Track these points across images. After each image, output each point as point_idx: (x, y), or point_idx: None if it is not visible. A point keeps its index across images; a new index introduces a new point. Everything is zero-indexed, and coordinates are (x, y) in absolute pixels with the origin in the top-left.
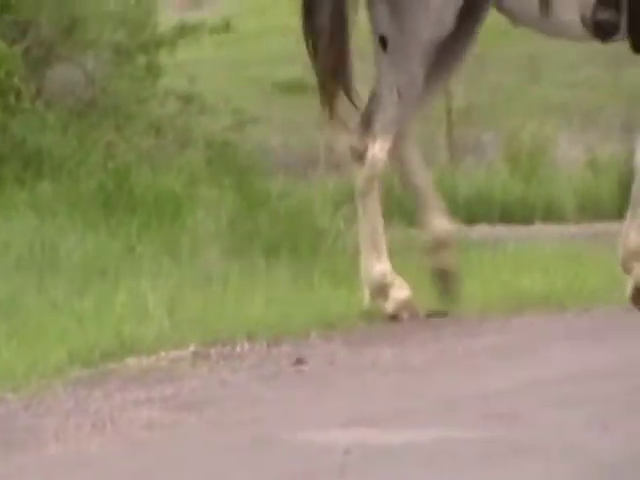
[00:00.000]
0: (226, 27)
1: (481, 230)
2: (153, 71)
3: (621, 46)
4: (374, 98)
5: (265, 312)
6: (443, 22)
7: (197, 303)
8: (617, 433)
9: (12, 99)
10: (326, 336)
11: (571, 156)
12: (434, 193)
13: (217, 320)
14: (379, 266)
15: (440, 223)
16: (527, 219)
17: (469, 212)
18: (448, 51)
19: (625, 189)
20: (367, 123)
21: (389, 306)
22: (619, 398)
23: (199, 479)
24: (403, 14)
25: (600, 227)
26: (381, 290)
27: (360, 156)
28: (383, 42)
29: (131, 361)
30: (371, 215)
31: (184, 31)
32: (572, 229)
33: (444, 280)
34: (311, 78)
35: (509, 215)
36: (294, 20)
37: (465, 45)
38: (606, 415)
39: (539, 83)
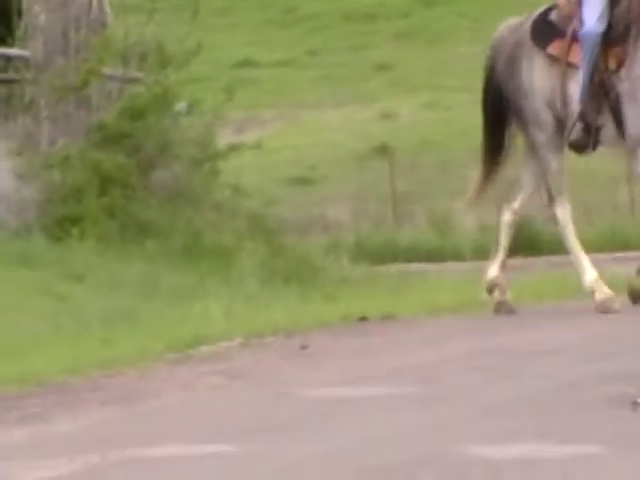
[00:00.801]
0: (259, 145)
1: (414, 267)
2: (214, 172)
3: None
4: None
5: (283, 317)
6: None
7: (242, 312)
8: (498, 388)
9: (130, 191)
10: (322, 331)
11: (469, 221)
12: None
13: (255, 322)
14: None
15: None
16: (442, 260)
17: (407, 255)
18: None
19: None
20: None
21: None
22: (491, 367)
23: (243, 417)
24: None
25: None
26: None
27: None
28: None
29: (203, 348)
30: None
31: (233, 148)
32: (469, 265)
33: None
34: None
35: (434, 257)
36: (301, 140)
37: None
38: (491, 377)
39: (450, 177)
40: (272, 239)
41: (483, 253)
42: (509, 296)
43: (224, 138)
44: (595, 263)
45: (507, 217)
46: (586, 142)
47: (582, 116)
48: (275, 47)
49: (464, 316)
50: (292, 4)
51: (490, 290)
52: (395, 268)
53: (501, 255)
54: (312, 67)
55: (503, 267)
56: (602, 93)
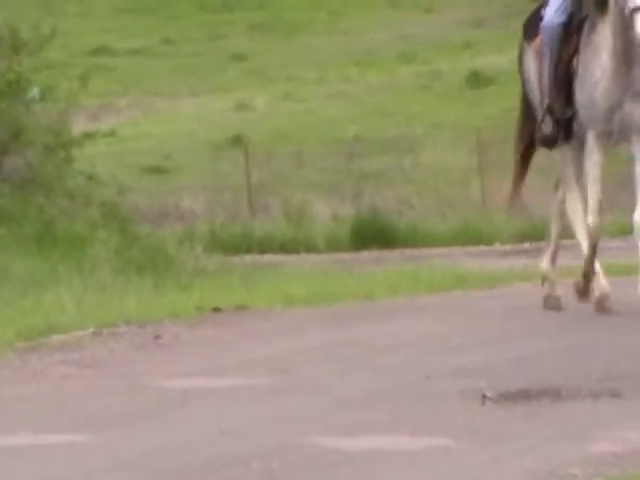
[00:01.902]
0: (113, 133)
1: (269, 258)
2: (67, 160)
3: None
4: None
5: (136, 307)
6: None
7: (95, 301)
8: (353, 380)
9: None
10: (174, 322)
11: (324, 212)
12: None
13: (107, 311)
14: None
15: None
16: (296, 251)
17: (262, 246)
18: None
19: (355, 233)
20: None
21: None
22: (346, 359)
23: (95, 407)
24: None
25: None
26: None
27: None
28: None
29: (54, 337)
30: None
31: (87, 135)
32: (323, 257)
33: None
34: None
35: (289, 249)
36: (156, 129)
37: None
38: (345, 369)
39: (305, 169)
40: (126, 228)
41: (337, 245)
42: (559, 292)
43: (79, 126)
44: (448, 257)
45: (554, 208)
46: (555, 136)
47: (550, 109)
48: (130, 35)
49: (318, 307)
50: None
51: (542, 282)
52: (250, 259)
53: (552, 247)
54: (168, 56)
55: (554, 260)
56: (566, 84)
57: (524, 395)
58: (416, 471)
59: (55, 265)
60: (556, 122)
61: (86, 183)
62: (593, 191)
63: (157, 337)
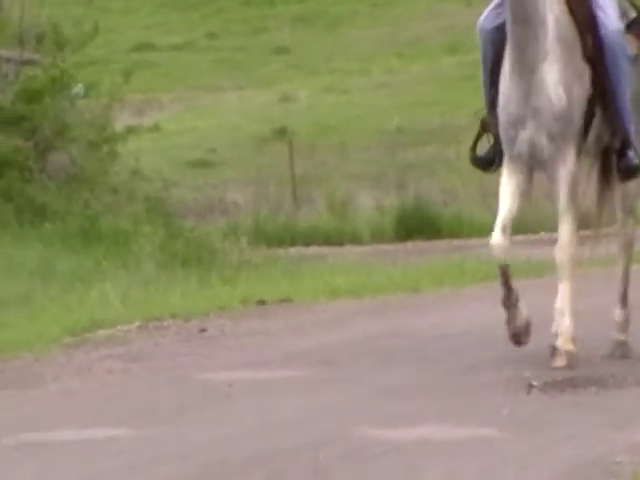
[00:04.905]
0: (156, 128)
1: (313, 250)
2: (111, 155)
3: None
4: None
5: (182, 301)
6: None
7: (140, 296)
8: (397, 371)
9: (27, 174)
10: (219, 315)
11: (368, 204)
12: None
13: (153, 306)
14: None
15: None
16: (340, 243)
17: (306, 238)
18: None
19: (399, 224)
20: None
21: None
22: (390, 350)
23: (141, 401)
24: None
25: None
26: None
27: None
28: None
29: (100, 332)
30: None
31: (131, 130)
32: (367, 249)
33: None
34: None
35: (333, 241)
36: (200, 123)
37: None
38: (389, 361)
39: (349, 160)
40: (170, 222)
41: (381, 236)
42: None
43: (122, 121)
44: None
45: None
46: (490, 157)
47: (484, 125)
48: (173, 30)
49: (363, 299)
50: None
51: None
52: (294, 251)
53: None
54: (211, 50)
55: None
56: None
57: (570, 384)
58: (461, 461)
59: (100, 260)
60: (493, 140)
61: (130, 178)
62: (499, 208)
63: (202, 330)
